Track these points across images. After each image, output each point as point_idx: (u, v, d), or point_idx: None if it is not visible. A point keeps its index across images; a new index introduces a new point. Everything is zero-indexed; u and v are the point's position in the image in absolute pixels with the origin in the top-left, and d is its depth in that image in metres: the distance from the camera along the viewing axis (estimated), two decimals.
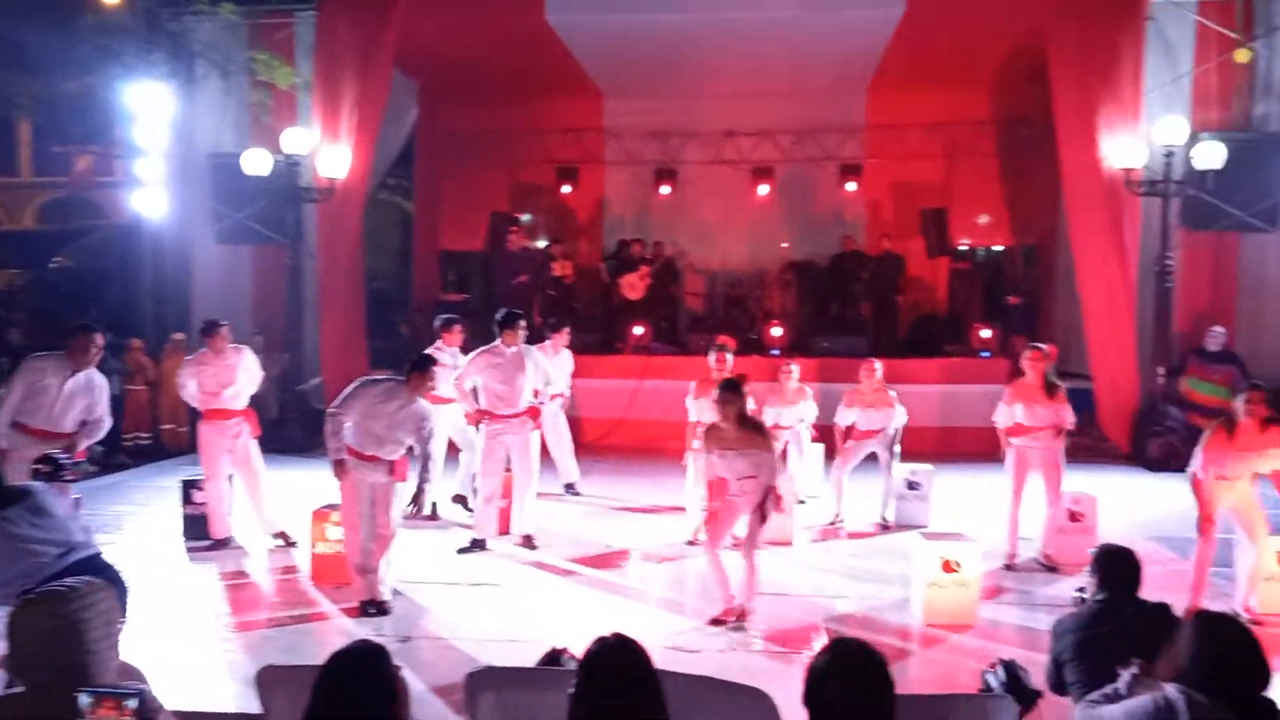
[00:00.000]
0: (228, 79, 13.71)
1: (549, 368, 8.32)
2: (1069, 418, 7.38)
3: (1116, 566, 3.90)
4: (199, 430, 7.95)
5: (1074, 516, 7.48)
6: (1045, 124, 12.60)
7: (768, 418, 9.06)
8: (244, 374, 7.93)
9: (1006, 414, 7.50)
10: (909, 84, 15.30)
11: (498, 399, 7.82)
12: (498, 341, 7.86)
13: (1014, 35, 12.76)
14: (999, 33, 12.94)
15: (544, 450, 8.62)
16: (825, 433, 9.31)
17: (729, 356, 8.45)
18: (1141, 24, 11.78)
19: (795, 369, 9.13)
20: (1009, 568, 7.32)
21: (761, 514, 6.04)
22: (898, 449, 8.73)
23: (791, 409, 9.11)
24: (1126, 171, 11.49)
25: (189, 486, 8.06)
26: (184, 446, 12.13)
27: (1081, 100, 11.76)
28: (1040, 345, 7.66)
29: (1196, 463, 6.14)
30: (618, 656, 2.45)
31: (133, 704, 2.59)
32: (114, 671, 2.89)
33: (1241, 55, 12.22)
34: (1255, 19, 12.38)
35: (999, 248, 16.79)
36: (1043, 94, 12.33)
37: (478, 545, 7.79)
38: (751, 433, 6.10)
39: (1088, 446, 12.22)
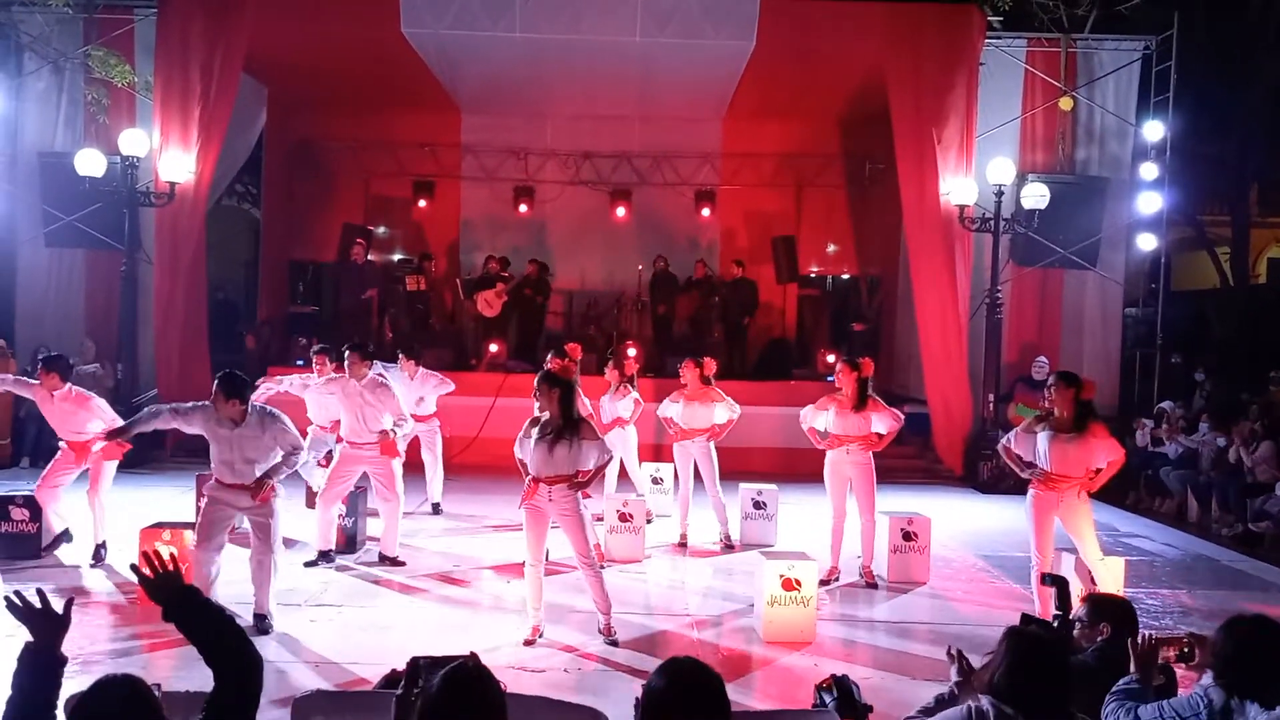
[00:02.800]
0: (61, 74, 13.01)
1: (401, 400, 8.14)
2: (881, 428, 7.60)
3: (1124, 613, 3.98)
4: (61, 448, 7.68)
5: (908, 536, 7.78)
6: (888, 160, 13.18)
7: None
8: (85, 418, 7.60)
9: (812, 416, 7.74)
10: (763, 115, 15.80)
11: (350, 429, 7.78)
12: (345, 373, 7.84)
13: (857, 75, 13.34)
14: (843, 72, 13.51)
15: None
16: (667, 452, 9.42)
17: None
18: (975, 70, 12.53)
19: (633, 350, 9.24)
20: (826, 582, 7.40)
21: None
22: (715, 463, 8.76)
23: (615, 402, 9.23)
24: (960, 208, 12.13)
25: (5, 504, 7.60)
26: (3, 461, 11.40)
27: (919, 139, 12.40)
28: (851, 359, 7.86)
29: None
30: (469, 685, 2.41)
31: None
32: None
33: (1065, 103, 13.13)
34: (1078, 70, 13.32)
35: (846, 276, 17.41)
36: (886, 130, 12.92)
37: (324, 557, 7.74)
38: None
39: (923, 469, 12.83)
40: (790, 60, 13.01)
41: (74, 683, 5.08)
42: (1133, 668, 3.34)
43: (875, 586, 7.57)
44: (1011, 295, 12.98)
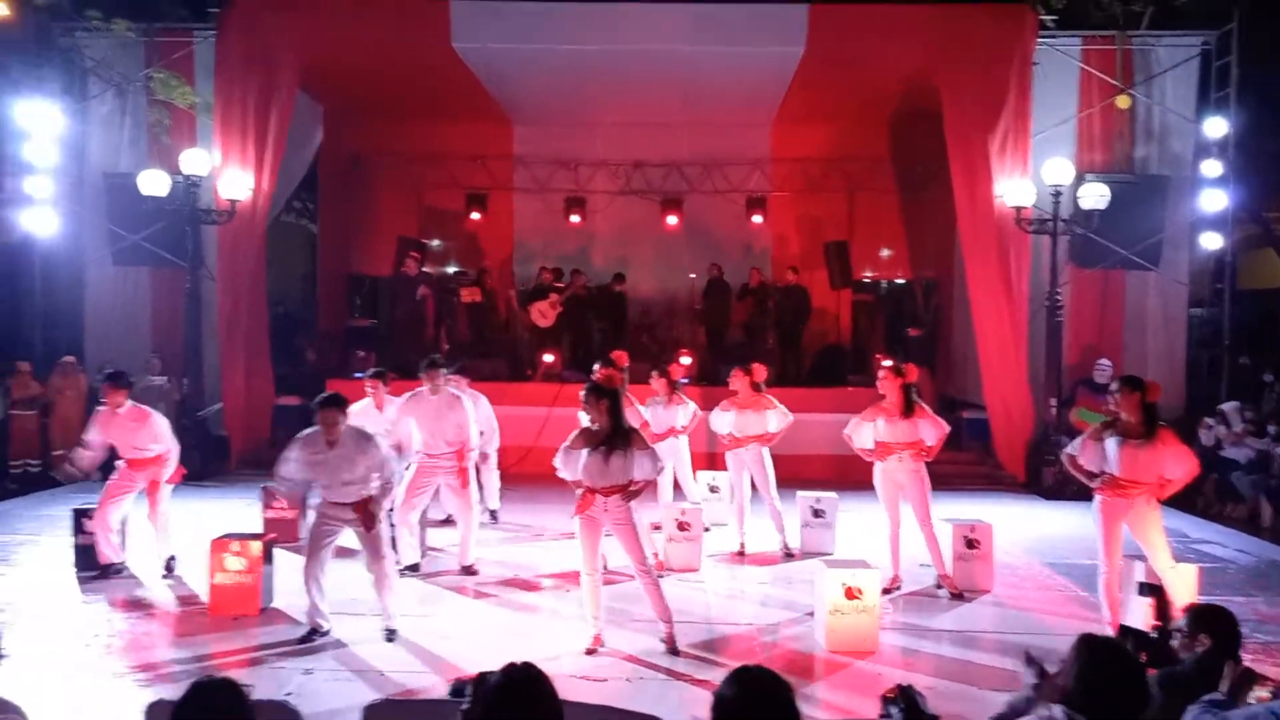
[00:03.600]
0: (124, 97, 13.34)
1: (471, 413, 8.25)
2: (930, 436, 7.49)
3: (1225, 625, 3.87)
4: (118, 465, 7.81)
5: (970, 544, 7.66)
6: (941, 162, 13.05)
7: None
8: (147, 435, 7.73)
9: (858, 428, 7.64)
10: (812, 119, 15.73)
11: (427, 443, 7.92)
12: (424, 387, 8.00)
13: (907, 77, 13.23)
14: (893, 74, 13.40)
15: None
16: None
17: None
18: (1028, 69, 12.34)
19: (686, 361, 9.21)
20: (888, 591, 7.32)
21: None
22: (770, 470, 8.72)
23: (670, 411, 9.21)
24: (1017, 210, 11.96)
25: (80, 516, 7.79)
26: (75, 475, 11.64)
27: (973, 141, 12.25)
28: (893, 363, 7.78)
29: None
30: (523, 686, 2.44)
31: None
32: None
33: (1123, 101, 12.89)
34: (1135, 67, 13.07)
35: (900, 280, 17.26)
36: (937, 133, 12.79)
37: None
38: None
39: (984, 475, 12.65)
40: (839, 64, 12.94)
41: (149, 691, 5.22)
42: (1224, 687, 3.26)
43: (961, 596, 7.40)
44: (1071, 297, 12.75)
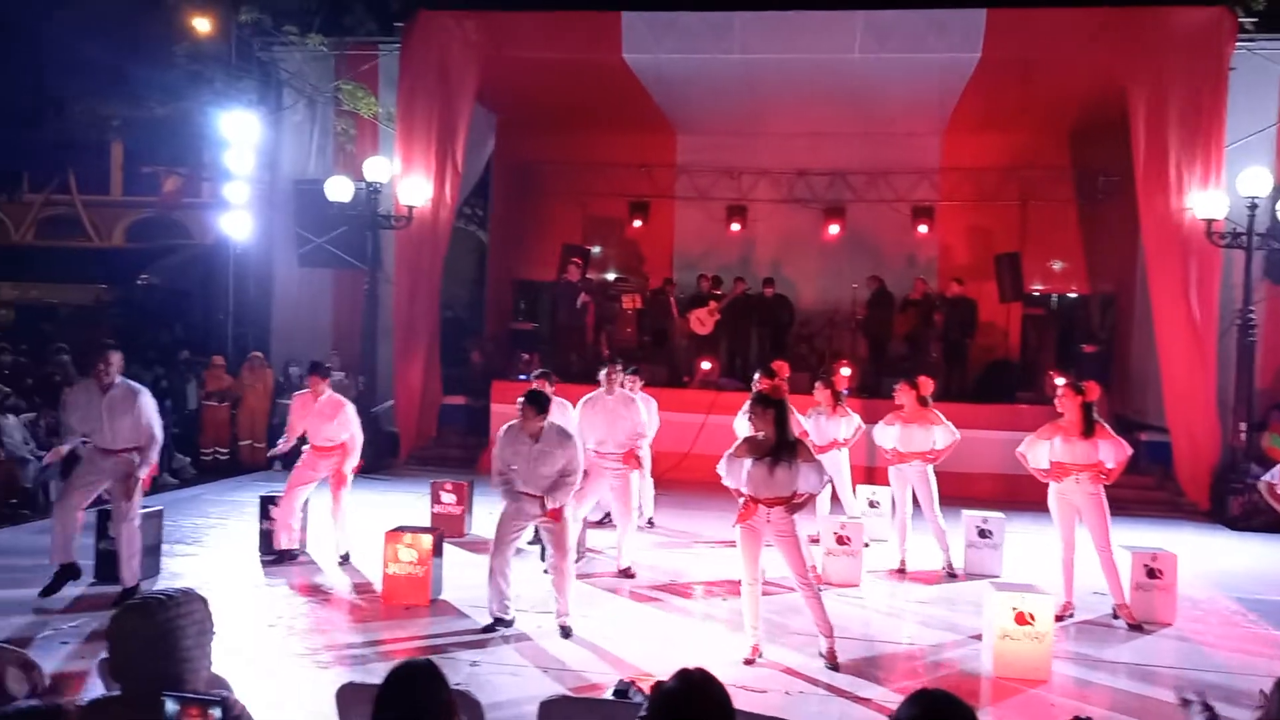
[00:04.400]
0: (314, 107, 14.14)
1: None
2: (1110, 458, 7.12)
3: None
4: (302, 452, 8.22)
5: (1152, 573, 7.26)
6: (1124, 171, 12.46)
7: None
8: (338, 425, 8.14)
9: (1033, 447, 7.32)
10: (986, 128, 15.27)
11: (599, 441, 8.10)
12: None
13: (1090, 84, 12.68)
14: (1075, 81, 12.87)
15: None
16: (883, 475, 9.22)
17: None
18: (1224, 76, 11.62)
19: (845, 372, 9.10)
20: (1060, 618, 6.98)
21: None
22: (934, 487, 8.49)
23: (833, 422, 9.10)
24: (1208, 223, 11.31)
25: (267, 502, 8.26)
26: (260, 463, 12.39)
27: (1162, 150, 11.65)
28: (1075, 382, 7.44)
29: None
30: (699, 692, 2.45)
31: (216, 712, 2.63)
32: (205, 681, 2.97)
33: None
34: None
35: (1074, 294, 16.54)
36: (1121, 141, 12.22)
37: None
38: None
39: (1164, 501, 11.98)
40: (1018, 71, 12.53)
41: (329, 673, 5.48)
42: None
43: (1140, 628, 7.02)
44: (1266, 316, 11.93)
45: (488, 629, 6.40)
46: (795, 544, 6.01)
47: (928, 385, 8.72)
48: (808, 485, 5.97)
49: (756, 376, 8.71)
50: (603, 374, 8.25)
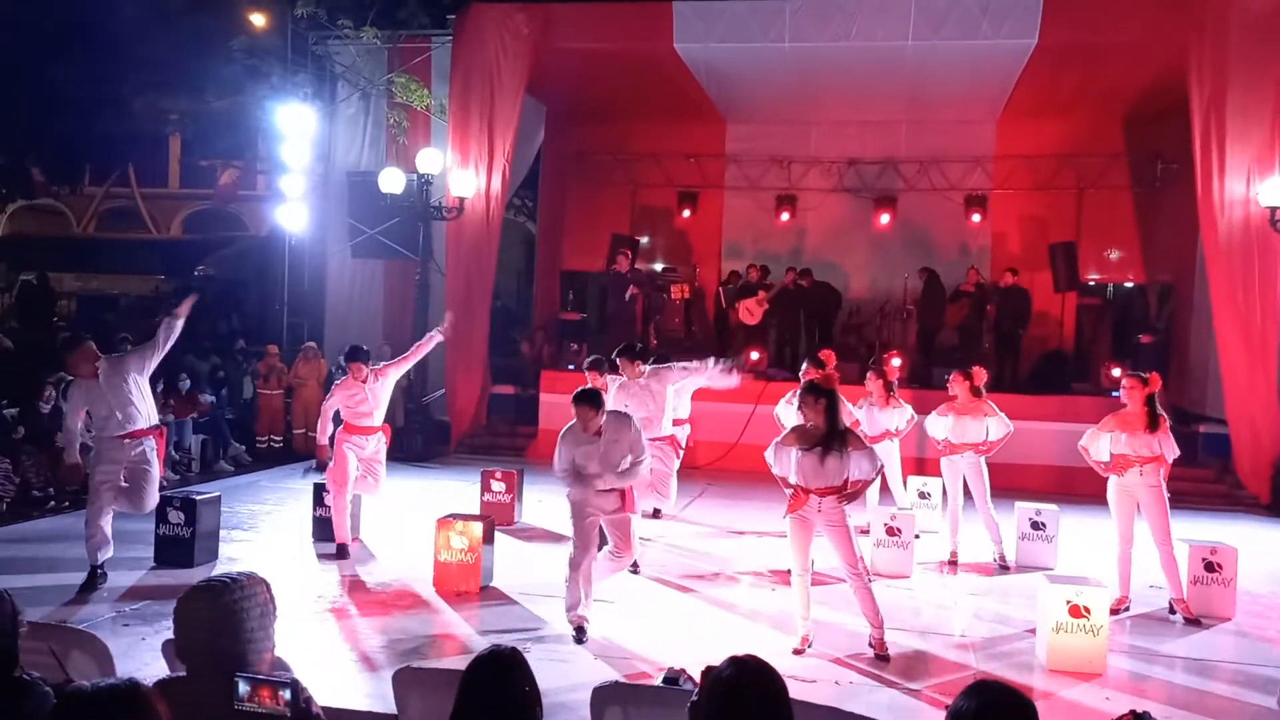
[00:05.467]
0: (367, 100, 14.30)
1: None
2: (1172, 451, 7.03)
3: None
4: (337, 439, 8.26)
5: (1210, 567, 7.14)
6: (1182, 158, 12.21)
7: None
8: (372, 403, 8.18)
9: (1095, 439, 7.22)
10: (1041, 114, 15.04)
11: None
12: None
13: (1148, 69, 12.44)
14: (1133, 66, 12.63)
15: None
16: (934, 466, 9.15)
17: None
18: None
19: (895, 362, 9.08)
20: (1115, 611, 6.85)
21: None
22: (986, 479, 8.38)
23: (886, 413, 9.06)
24: (1272, 211, 11.05)
25: (321, 490, 8.40)
26: (312, 451, 12.57)
27: (1223, 137, 11.38)
28: (1140, 373, 7.33)
29: None
30: (754, 679, 2.46)
31: (286, 693, 2.72)
32: (268, 662, 3.04)
33: None
34: None
35: (1130, 284, 16.25)
36: (1180, 128, 11.98)
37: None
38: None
39: (1223, 494, 11.77)
40: (1075, 56, 12.33)
41: (382, 657, 5.56)
42: None
43: (1197, 623, 6.92)
44: None
45: (578, 639, 6.11)
46: (846, 533, 5.98)
47: (981, 375, 8.62)
48: (860, 472, 5.94)
49: (805, 366, 8.67)
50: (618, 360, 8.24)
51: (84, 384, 6.95)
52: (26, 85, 18.84)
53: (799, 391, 6.20)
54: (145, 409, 7.10)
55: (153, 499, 7.17)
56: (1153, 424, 6.99)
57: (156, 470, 7.22)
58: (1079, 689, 5.61)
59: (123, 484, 7.03)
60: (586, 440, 6.23)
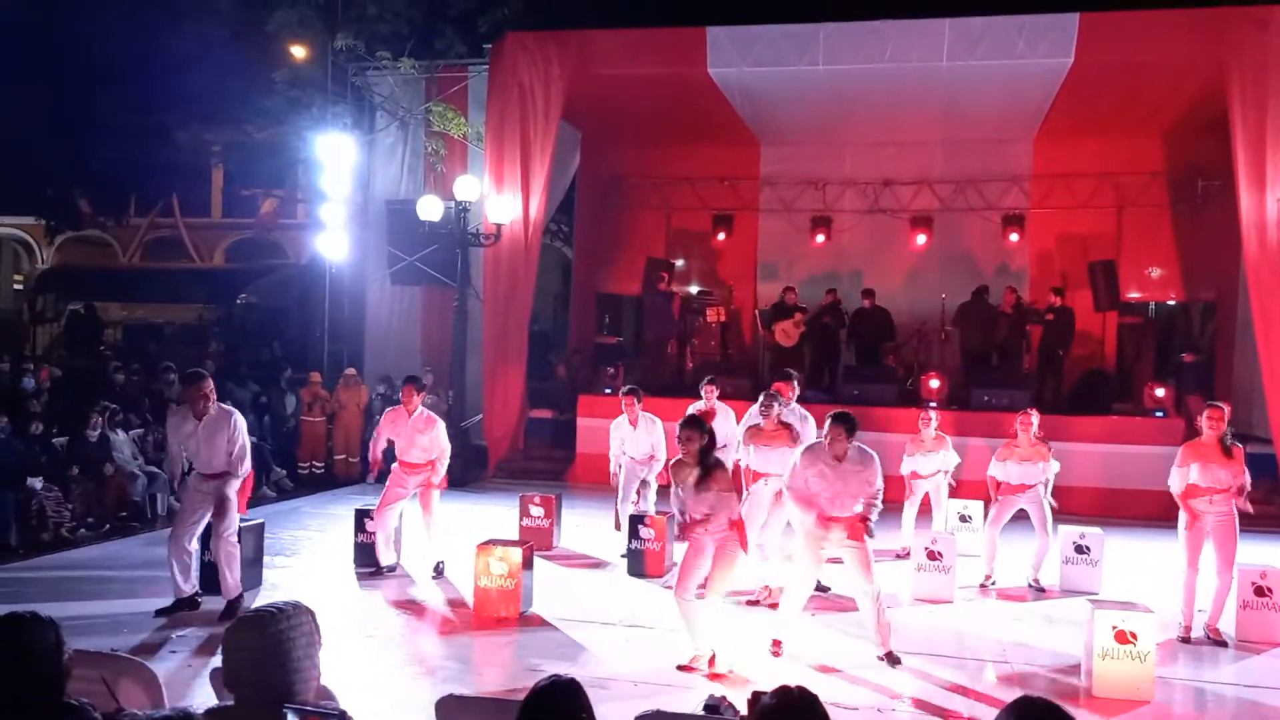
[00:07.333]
0: (405, 129, 14.51)
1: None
2: (1247, 479, 6.98)
3: None
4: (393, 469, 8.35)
5: (1261, 591, 7.01)
6: (1223, 175, 12.07)
7: (905, 466, 9.12)
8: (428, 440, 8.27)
9: (1180, 477, 7.14)
10: (1078, 133, 14.93)
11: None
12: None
13: (1187, 86, 12.33)
14: (1172, 84, 12.53)
15: None
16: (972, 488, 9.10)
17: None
18: None
19: (934, 416, 9.20)
20: (1184, 640, 6.92)
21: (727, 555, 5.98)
22: (1049, 505, 8.36)
23: (929, 457, 9.04)
24: None
25: (362, 516, 8.47)
26: (354, 476, 12.72)
27: (1265, 152, 11.24)
28: (1219, 404, 7.28)
29: None
30: (800, 711, 2.46)
31: None
32: (315, 691, 3.08)
33: None
34: None
35: (1172, 302, 16.04)
36: (1220, 144, 11.85)
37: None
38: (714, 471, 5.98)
39: (1273, 516, 11.51)
40: (1112, 74, 12.24)
41: (424, 684, 5.59)
42: None
43: (1224, 645, 6.89)
44: None
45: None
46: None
47: (1035, 420, 8.58)
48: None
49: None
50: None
51: (182, 413, 7.11)
52: (74, 118, 19.31)
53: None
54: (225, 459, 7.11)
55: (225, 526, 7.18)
56: (1228, 453, 6.92)
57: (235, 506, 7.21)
58: (1126, 716, 5.52)
59: (202, 516, 7.10)
60: (827, 463, 6.25)
